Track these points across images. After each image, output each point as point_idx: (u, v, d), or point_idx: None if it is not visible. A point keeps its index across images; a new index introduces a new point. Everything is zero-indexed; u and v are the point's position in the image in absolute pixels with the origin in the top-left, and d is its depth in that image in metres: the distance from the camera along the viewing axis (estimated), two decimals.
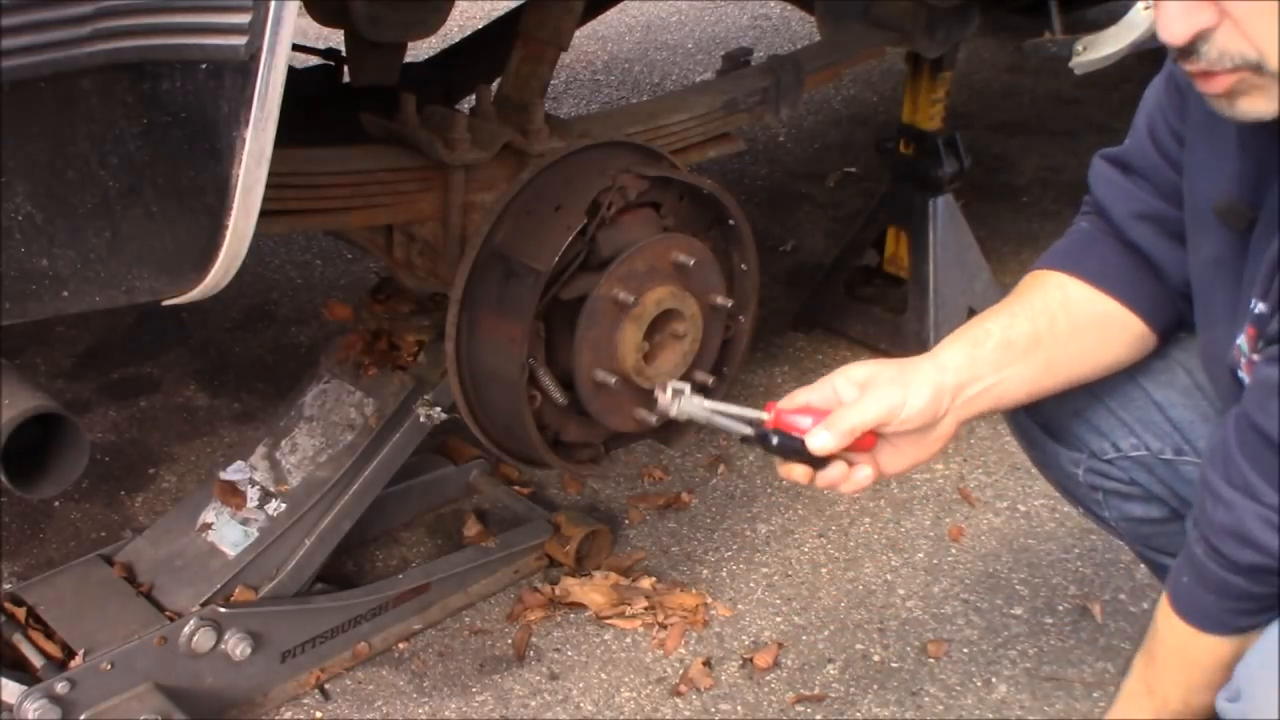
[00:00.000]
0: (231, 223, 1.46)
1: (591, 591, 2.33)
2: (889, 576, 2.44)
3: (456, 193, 2.09)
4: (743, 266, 2.20)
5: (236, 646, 2.03)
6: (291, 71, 1.44)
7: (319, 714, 2.13)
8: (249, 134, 1.41)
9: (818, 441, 1.51)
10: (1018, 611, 2.35)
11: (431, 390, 2.17)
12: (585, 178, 2.01)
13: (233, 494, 2.17)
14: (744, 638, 2.29)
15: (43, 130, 1.34)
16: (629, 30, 5.16)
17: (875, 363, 1.58)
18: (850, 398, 1.54)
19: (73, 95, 1.34)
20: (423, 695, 2.17)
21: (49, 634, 2.03)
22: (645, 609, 2.31)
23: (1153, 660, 1.52)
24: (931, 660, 2.24)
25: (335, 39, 2.28)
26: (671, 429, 2.19)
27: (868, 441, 1.55)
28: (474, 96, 2.20)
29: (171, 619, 2.01)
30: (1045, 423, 1.75)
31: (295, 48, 1.47)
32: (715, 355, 2.20)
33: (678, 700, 2.15)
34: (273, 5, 1.38)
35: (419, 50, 2.62)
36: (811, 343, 3.16)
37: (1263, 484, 1.33)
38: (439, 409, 2.16)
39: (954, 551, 2.50)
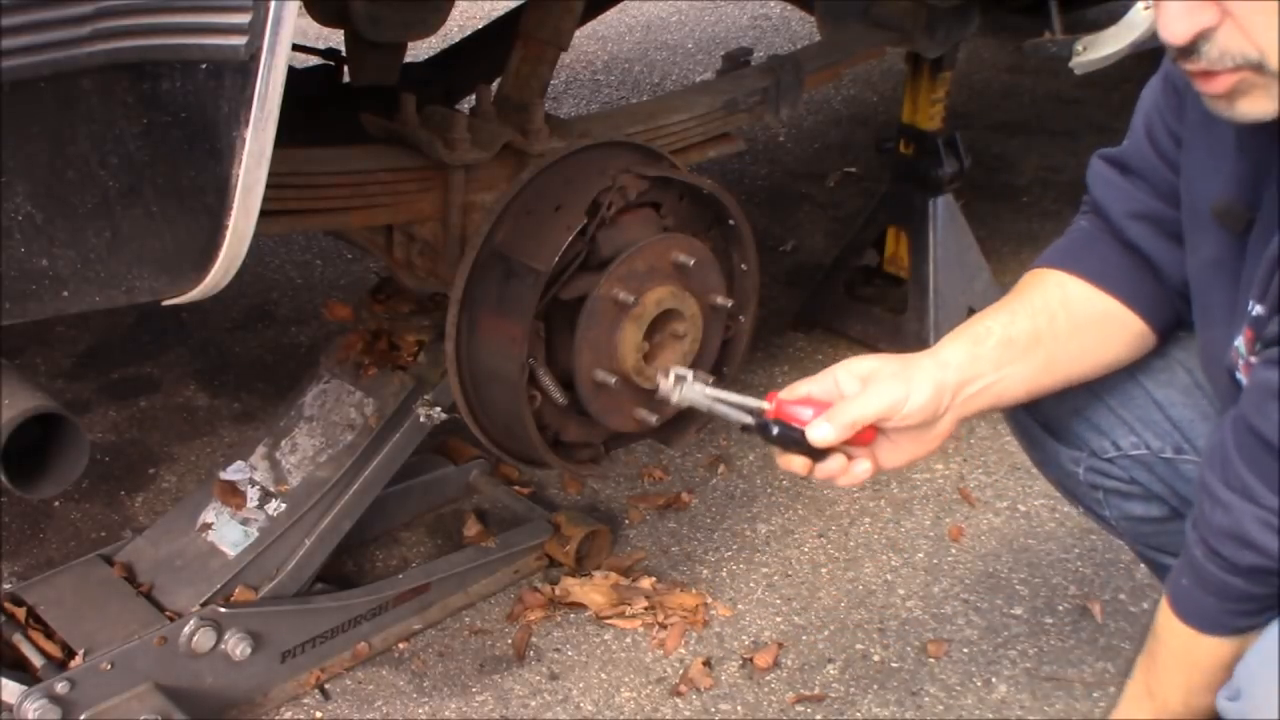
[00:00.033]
0: (231, 223, 1.46)
1: (591, 591, 2.33)
2: (889, 576, 2.44)
3: (456, 193, 2.09)
4: (743, 266, 2.20)
5: (236, 646, 2.03)
6: (291, 71, 1.44)
7: (319, 714, 2.13)
8: (249, 134, 1.41)
9: (818, 433, 1.51)
10: (1018, 611, 2.35)
11: (431, 390, 2.17)
12: (585, 178, 2.01)
13: (233, 494, 2.17)
14: (744, 638, 2.29)
15: (43, 130, 1.34)
16: (629, 30, 5.16)
17: (877, 357, 1.59)
18: (852, 391, 1.55)
19: (73, 95, 1.34)
20: (423, 695, 2.17)
21: (49, 634, 2.03)
22: (645, 609, 2.31)
23: (1153, 662, 1.52)
24: (931, 660, 2.24)
25: (335, 39, 2.28)
26: (672, 429, 2.19)
27: (867, 435, 1.55)
28: (474, 96, 2.20)
29: (171, 619, 2.01)
30: (1045, 421, 1.75)
31: (295, 48, 1.47)
32: (715, 355, 2.20)
33: (678, 700, 2.15)
34: (273, 5, 1.38)
35: (419, 50, 2.62)
36: (811, 342, 3.16)
37: (1261, 486, 1.33)
38: (439, 409, 2.16)
39: (954, 551, 2.50)
